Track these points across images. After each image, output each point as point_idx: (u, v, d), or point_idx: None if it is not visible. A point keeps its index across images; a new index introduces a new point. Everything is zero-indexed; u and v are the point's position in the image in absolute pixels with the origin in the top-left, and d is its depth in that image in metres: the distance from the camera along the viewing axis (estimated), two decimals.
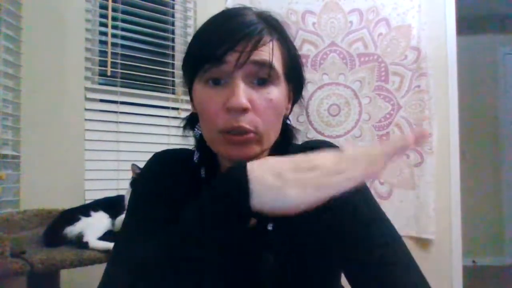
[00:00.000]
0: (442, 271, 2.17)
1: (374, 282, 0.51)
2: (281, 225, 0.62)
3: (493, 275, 3.32)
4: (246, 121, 0.53)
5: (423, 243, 2.15)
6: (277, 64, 0.56)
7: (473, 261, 3.55)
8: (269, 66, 0.54)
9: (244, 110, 0.52)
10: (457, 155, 2.24)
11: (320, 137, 2.23)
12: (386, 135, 2.22)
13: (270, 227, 0.61)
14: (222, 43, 0.52)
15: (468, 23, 3.31)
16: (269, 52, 0.54)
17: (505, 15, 3.64)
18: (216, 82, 0.54)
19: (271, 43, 0.55)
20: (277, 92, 0.56)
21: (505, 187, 3.71)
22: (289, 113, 0.65)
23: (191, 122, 0.65)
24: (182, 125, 0.66)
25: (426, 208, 2.13)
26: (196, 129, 0.64)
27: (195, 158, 0.65)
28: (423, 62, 2.18)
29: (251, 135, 0.54)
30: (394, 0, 2.22)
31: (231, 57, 0.52)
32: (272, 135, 0.58)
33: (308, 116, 2.24)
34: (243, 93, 0.52)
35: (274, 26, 0.58)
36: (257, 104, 0.54)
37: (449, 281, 2.18)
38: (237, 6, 0.61)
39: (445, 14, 2.26)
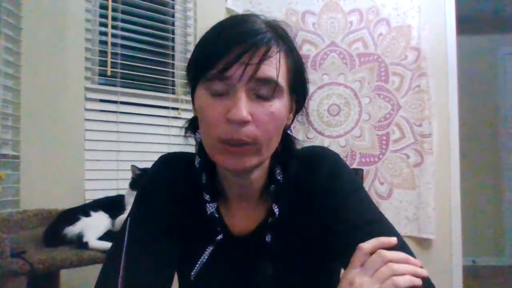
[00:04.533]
0: (442, 271, 2.17)
1: None
2: (278, 235, 0.62)
3: (493, 275, 3.32)
4: (245, 133, 0.52)
5: (423, 243, 2.15)
6: (282, 78, 0.55)
7: (473, 261, 3.55)
8: (275, 83, 0.53)
9: (245, 123, 0.52)
10: (457, 155, 2.24)
11: (320, 138, 2.23)
12: (386, 135, 2.22)
13: (268, 238, 0.62)
14: (227, 51, 0.51)
15: (468, 23, 3.31)
16: (276, 65, 0.53)
17: (505, 15, 3.64)
18: (219, 93, 0.54)
19: (278, 55, 0.54)
20: (279, 105, 0.55)
21: (505, 187, 3.71)
22: (291, 124, 0.64)
23: (193, 126, 0.65)
24: (183, 128, 0.66)
25: (426, 208, 2.13)
26: (197, 133, 0.64)
27: (196, 163, 0.65)
28: (423, 62, 2.18)
29: (250, 146, 0.53)
30: (394, 0, 2.22)
31: (235, 71, 0.51)
32: (271, 146, 0.57)
33: (308, 116, 2.23)
34: (244, 106, 0.51)
35: (282, 36, 0.57)
36: (258, 116, 0.53)
37: (449, 281, 2.18)
38: (246, 12, 0.60)
39: (445, 14, 2.26)
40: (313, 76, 2.24)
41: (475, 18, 3.54)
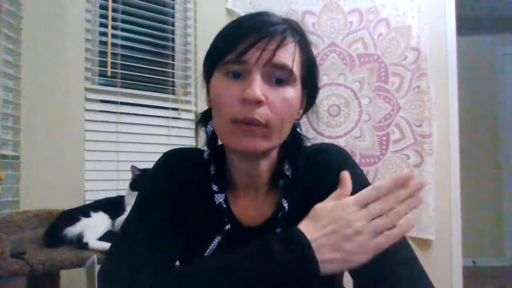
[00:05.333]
0: (442, 271, 2.17)
1: (377, 278, 0.52)
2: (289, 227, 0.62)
3: (493, 275, 3.32)
4: (259, 114, 0.54)
5: (423, 243, 2.15)
6: (296, 67, 0.57)
7: (473, 261, 3.55)
8: (290, 70, 0.56)
9: (259, 103, 0.54)
10: (457, 155, 2.24)
11: (320, 138, 2.23)
12: (386, 135, 2.22)
13: (278, 230, 0.62)
14: (245, 37, 0.54)
15: (468, 23, 3.31)
16: (291, 53, 0.56)
17: (505, 15, 3.64)
18: (236, 75, 0.56)
19: (292, 44, 0.56)
20: (292, 93, 0.57)
21: (505, 187, 3.71)
22: (299, 118, 0.66)
23: (205, 118, 0.67)
24: (196, 121, 0.69)
25: (426, 208, 2.13)
26: (208, 126, 0.66)
27: (205, 155, 0.67)
28: (423, 62, 2.18)
29: (261, 128, 0.55)
30: (394, 1, 2.22)
31: (252, 56, 0.54)
32: (281, 133, 0.59)
33: (308, 116, 2.23)
34: (259, 86, 0.53)
35: (297, 30, 0.59)
36: (272, 100, 0.55)
37: (449, 281, 2.18)
38: (246, 10, 0.63)
39: (445, 14, 2.26)
40: None
41: (475, 18, 3.54)
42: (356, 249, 0.46)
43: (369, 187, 0.50)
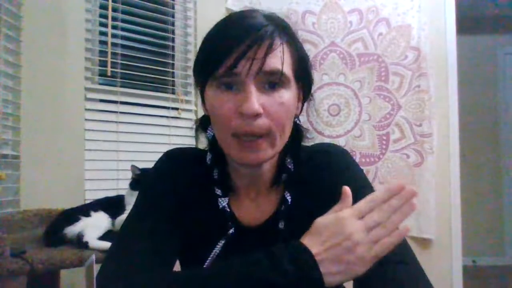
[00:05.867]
0: (442, 271, 2.17)
1: (376, 278, 0.52)
2: (291, 223, 0.63)
3: (493, 275, 3.32)
4: (258, 126, 0.54)
5: (423, 243, 2.15)
6: (287, 68, 0.56)
7: (473, 261, 3.55)
8: (281, 74, 0.55)
9: (257, 115, 0.53)
10: (457, 155, 2.24)
11: (320, 138, 2.23)
12: (386, 135, 2.22)
13: (281, 226, 0.62)
14: (233, 49, 0.53)
15: (468, 23, 3.31)
16: (280, 57, 0.55)
17: (505, 15, 3.64)
18: (228, 86, 0.55)
19: (281, 46, 0.56)
20: (288, 95, 0.57)
21: (505, 187, 3.71)
22: (300, 112, 0.66)
23: (204, 123, 0.66)
24: (195, 126, 0.68)
25: (426, 208, 2.13)
26: (208, 131, 0.66)
27: (207, 159, 0.67)
28: (423, 62, 2.18)
29: (263, 139, 0.55)
30: (394, 0, 2.22)
31: (242, 67, 0.53)
32: (284, 137, 0.59)
33: (308, 116, 2.24)
34: (255, 99, 0.53)
35: (283, 28, 0.58)
36: (269, 108, 0.55)
37: (449, 281, 2.18)
38: (245, 9, 0.61)
39: (445, 14, 2.26)
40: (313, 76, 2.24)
41: (475, 18, 3.54)
42: (356, 260, 0.47)
43: (364, 199, 0.50)
